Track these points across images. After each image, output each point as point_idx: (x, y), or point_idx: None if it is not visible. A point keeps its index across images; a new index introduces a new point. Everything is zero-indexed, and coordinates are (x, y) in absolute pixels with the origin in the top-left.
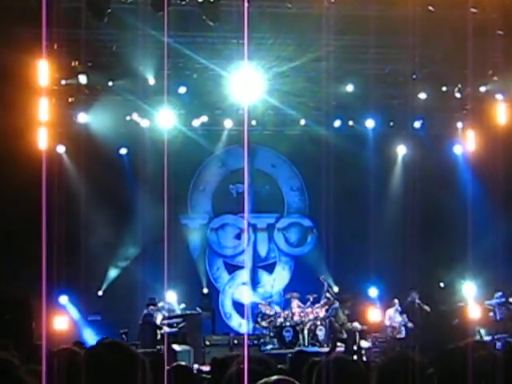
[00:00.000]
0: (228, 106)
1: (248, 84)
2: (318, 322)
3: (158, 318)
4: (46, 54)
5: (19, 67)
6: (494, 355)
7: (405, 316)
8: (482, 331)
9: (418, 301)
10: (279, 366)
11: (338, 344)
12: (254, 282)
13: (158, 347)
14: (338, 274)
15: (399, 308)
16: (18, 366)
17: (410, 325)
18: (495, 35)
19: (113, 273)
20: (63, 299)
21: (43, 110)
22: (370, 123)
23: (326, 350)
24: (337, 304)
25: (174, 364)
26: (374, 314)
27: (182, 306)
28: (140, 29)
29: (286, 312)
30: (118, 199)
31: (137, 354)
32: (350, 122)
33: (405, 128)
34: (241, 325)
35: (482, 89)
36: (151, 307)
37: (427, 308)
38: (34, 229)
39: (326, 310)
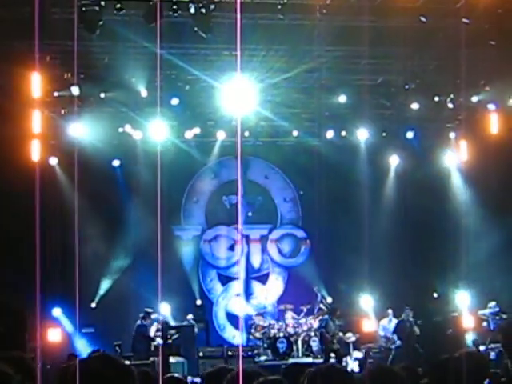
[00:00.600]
0: (221, 117)
1: (241, 95)
2: (312, 333)
3: (152, 330)
4: (39, 66)
5: (12, 79)
6: (488, 365)
7: (394, 335)
8: (471, 337)
9: (411, 319)
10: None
11: (332, 355)
12: (248, 294)
13: (152, 359)
14: (332, 285)
15: (393, 318)
16: (14, 378)
17: (398, 343)
18: (487, 45)
19: (106, 285)
20: (57, 311)
21: (36, 121)
22: (362, 134)
23: (319, 360)
24: (326, 315)
25: (168, 376)
26: (367, 325)
27: (190, 316)
28: (132, 40)
29: (280, 323)
30: (111, 211)
31: (127, 367)
32: (343, 133)
33: (397, 138)
34: (234, 336)
35: (474, 99)
36: (145, 319)
37: (417, 330)
38: (27, 240)
39: (320, 321)
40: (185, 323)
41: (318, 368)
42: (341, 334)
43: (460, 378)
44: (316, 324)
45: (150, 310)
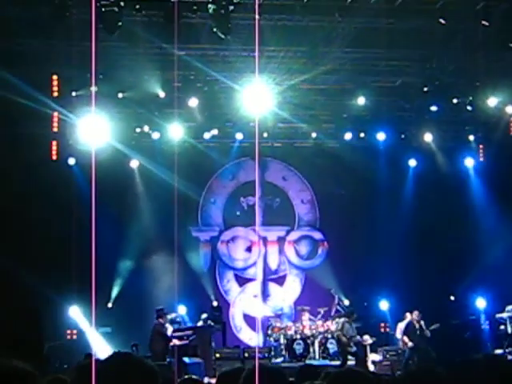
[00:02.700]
0: (239, 118)
1: (259, 97)
2: (329, 336)
3: (169, 330)
4: (58, 66)
5: (30, 79)
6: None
7: (405, 337)
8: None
9: (421, 322)
10: (290, 379)
11: (349, 357)
12: (265, 295)
13: (168, 360)
14: (349, 287)
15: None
16: (37, 377)
17: (410, 344)
18: (506, 48)
19: (123, 285)
20: (74, 310)
21: (54, 122)
22: (381, 136)
23: (336, 363)
24: (343, 318)
25: (185, 377)
26: (384, 328)
27: (204, 315)
28: (151, 41)
29: (297, 325)
30: (129, 212)
31: (152, 367)
32: (362, 135)
33: (416, 140)
34: (251, 338)
35: (493, 101)
36: (161, 318)
37: (428, 333)
38: (45, 240)
39: (337, 324)
40: (199, 324)
41: (338, 371)
42: (358, 336)
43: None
44: (333, 326)
45: (160, 308)
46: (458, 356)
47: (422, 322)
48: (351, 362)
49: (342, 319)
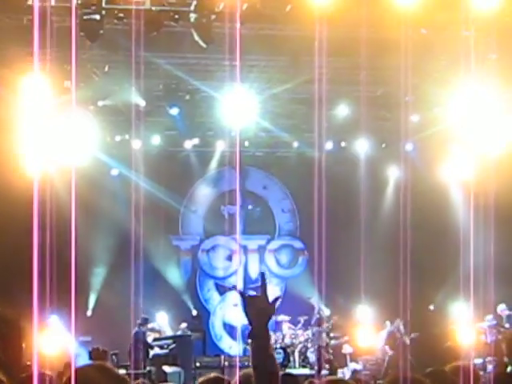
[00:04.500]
0: (220, 127)
1: (240, 106)
2: (309, 345)
3: (149, 338)
4: (38, 74)
5: (10, 86)
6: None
7: (386, 346)
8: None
9: (402, 329)
10: None
11: (326, 366)
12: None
13: (149, 368)
14: (329, 296)
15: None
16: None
17: (390, 353)
18: (488, 58)
19: (102, 294)
20: (53, 320)
21: (34, 130)
22: (362, 145)
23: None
24: (320, 327)
25: None
26: (365, 336)
27: (184, 325)
28: (132, 50)
29: (277, 334)
30: (109, 220)
31: (122, 378)
32: (343, 144)
33: (397, 150)
34: (231, 346)
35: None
36: (143, 326)
37: (407, 340)
38: (24, 250)
39: (314, 333)
40: (179, 333)
41: (322, 381)
42: (336, 344)
43: None
44: (312, 335)
45: (146, 317)
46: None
47: (402, 331)
48: (327, 370)
49: (319, 327)
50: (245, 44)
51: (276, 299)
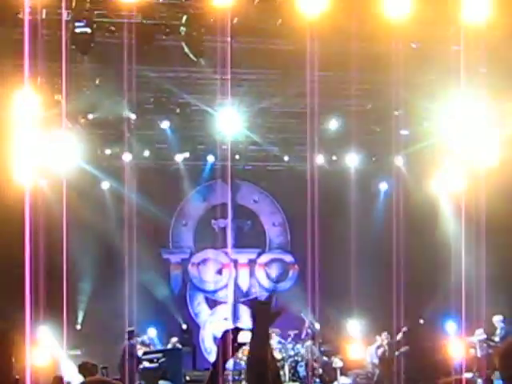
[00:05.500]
0: (211, 141)
1: (231, 119)
2: (299, 359)
3: (139, 352)
4: (29, 87)
5: (0, 100)
6: None
7: (376, 360)
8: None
9: (391, 344)
10: None
11: (317, 380)
12: (235, 318)
13: (138, 382)
14: (320, 310)
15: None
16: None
17: (380, 367)
18: (478, 73)
19: (92, 307)
20: (43, 333)
21: (24, 143)
22: (352, 159)
23: None
24: (310, 341)
25: None
26: (355, 351)
27: (174, 339)
28: (124, 63)
29: None
30: (99, 233)
31: None
32: (333, 158)
33: (387, 164)
34: None
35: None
36: (132, 339)
37: (396, 355)
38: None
39: (305, 347)
40: (169, 347)
41: None
42: (326, 358)
43: None
44: (303, 349)
45: (131, 329)
46: (428, 379)
47: (392, 344)
48: None
49: (310, 342)
50: (235, 57)
51: (281, 310)
